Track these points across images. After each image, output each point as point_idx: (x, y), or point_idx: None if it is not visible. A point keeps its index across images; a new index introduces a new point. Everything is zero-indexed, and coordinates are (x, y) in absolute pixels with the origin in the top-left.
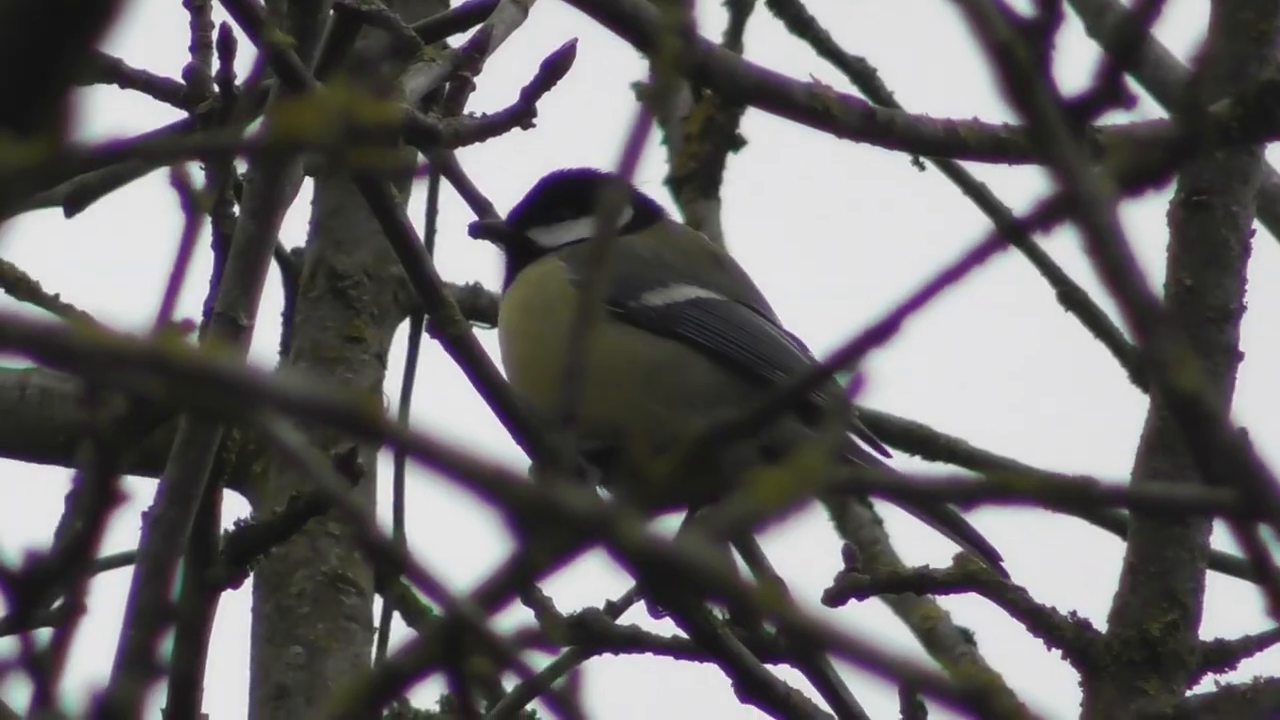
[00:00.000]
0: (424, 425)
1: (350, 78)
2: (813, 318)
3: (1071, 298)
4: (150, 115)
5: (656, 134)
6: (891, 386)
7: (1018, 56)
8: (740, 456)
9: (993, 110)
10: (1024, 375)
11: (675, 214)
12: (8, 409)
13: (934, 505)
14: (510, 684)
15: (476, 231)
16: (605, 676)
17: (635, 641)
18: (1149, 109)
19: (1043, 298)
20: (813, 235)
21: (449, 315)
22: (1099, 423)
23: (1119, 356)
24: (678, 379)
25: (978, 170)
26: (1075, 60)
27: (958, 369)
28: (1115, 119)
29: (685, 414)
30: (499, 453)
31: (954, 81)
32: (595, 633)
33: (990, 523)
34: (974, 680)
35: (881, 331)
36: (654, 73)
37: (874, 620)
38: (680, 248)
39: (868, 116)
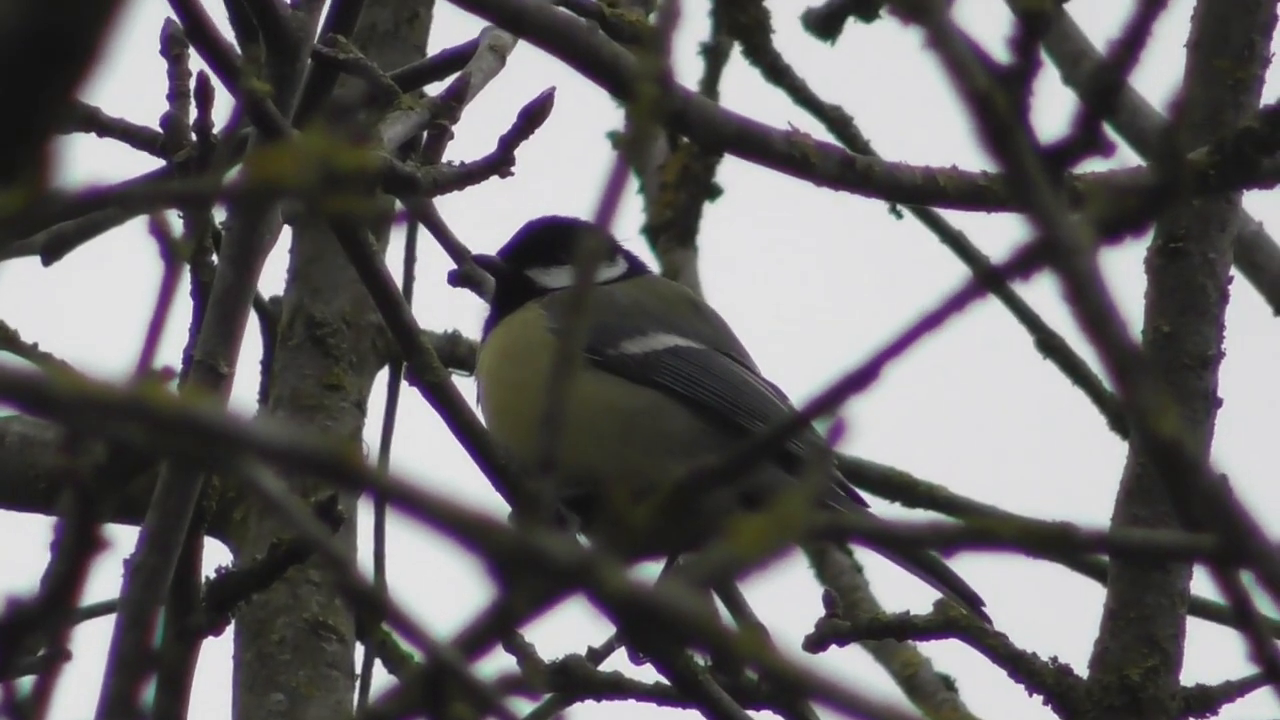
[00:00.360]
0: (404, 472)
1: (328, 125)
2: (790, 365)
3: (1050, 344)
4: (128, 163)
5: (633, 182)
6: (870, 433)
7: (996, 105)
8: (720, 504)
9: (971, 157)
10: (1003, 422)
11: (652, 263)
12: None
13: (914, 551)
14: None
15: (455, 280)
16: None
17: (617, 688)
18: (1126, 157)
19: (1021, 344)
20: (790, 283)
21: (427, 363)
22: (1078, 469)
23: (1098, 403)
24: (656, 427)
25: (956, 218)
26: (1052, 108)
27: (936, 416)
28: (1093, 166)
29: (663, 462)
30: (479, 500)
31: (931, 129)
32: (577, 679)
33: (971, 568)
34: None
35: (860, 378)
36: (631, 121)
37: (855, 667)
38: (660, 296)
39: (846, 164)
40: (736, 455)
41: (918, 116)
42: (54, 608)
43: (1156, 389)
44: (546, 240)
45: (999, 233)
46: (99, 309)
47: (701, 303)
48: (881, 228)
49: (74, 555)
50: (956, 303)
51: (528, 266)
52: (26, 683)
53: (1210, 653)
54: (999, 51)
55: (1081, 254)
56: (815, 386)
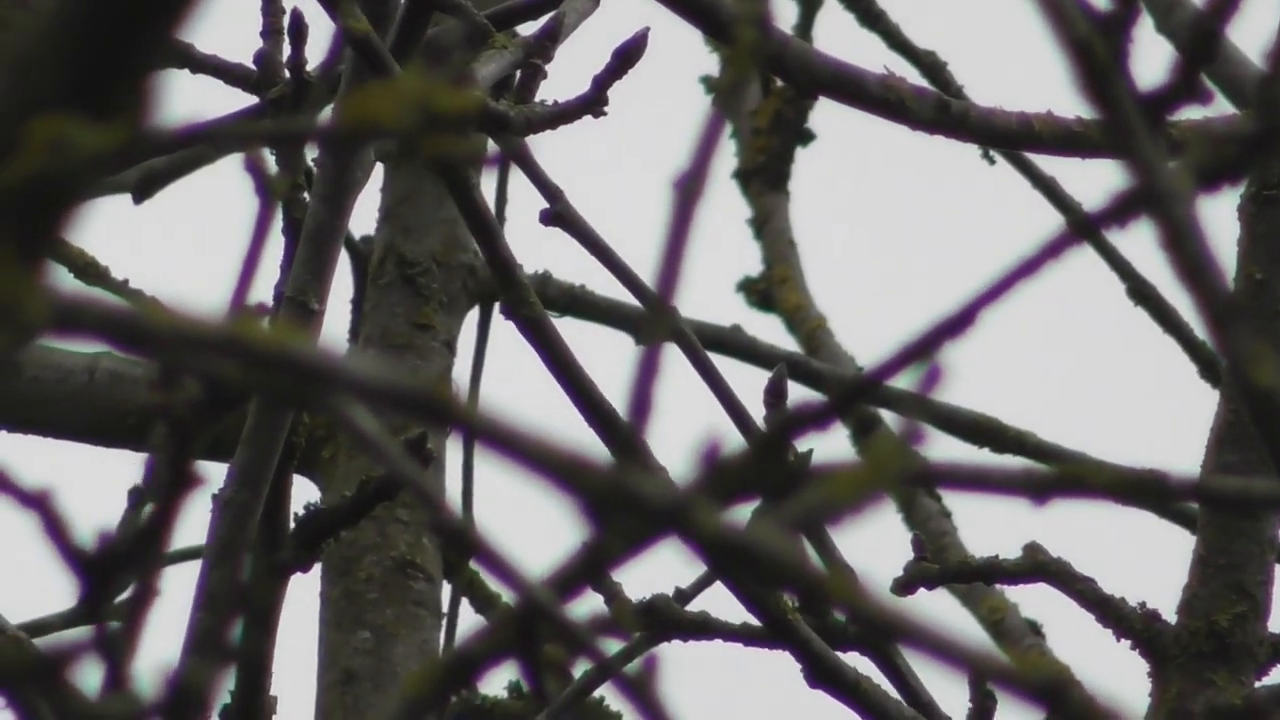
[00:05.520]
0: (498, 410)
1: (425, 65)
2: (881, 311)
3: (1141, 292)
4: (221, 100)
5: (727, 126)
6: (960, 380)
7: (1096, 51)
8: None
9: (1063, 104)
10: (1092, 369)
11: (744, 208)
12: (77, 392)
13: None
14: (580, 670)
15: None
16: (675, 662)
17: (705, 628)
18: (1220, 106)
19: (1112, 292)
20: (881, 228)
21: (523, 297)
22: (1166, 417)
23: (1188, 351)
24: None
25: (1047, 164)
26: (1147, 57)
27: (1025, 363)
28: (1190, 114)
29: None
30: (573, 439)
31: (1020, 77)
32: (665, 619)
33: (1060, 515)
34: (1049, 671)
35: (957, 324)
36: (728, 64)
37: (942, 612)
38: None
39: (941, 108)
40: (830, 401)
41: (1010, 62)
42: (146, 544)
43: (1253, 337)
44: None
45: (1089, 180)
46: (187, 247)
47: None
48: (973, 173)
49: (167, 491)
50: (1054, 249)
51: None
52: (116, 620)
53: None
54: None
55: (1180, 201)
56: (909, 332)
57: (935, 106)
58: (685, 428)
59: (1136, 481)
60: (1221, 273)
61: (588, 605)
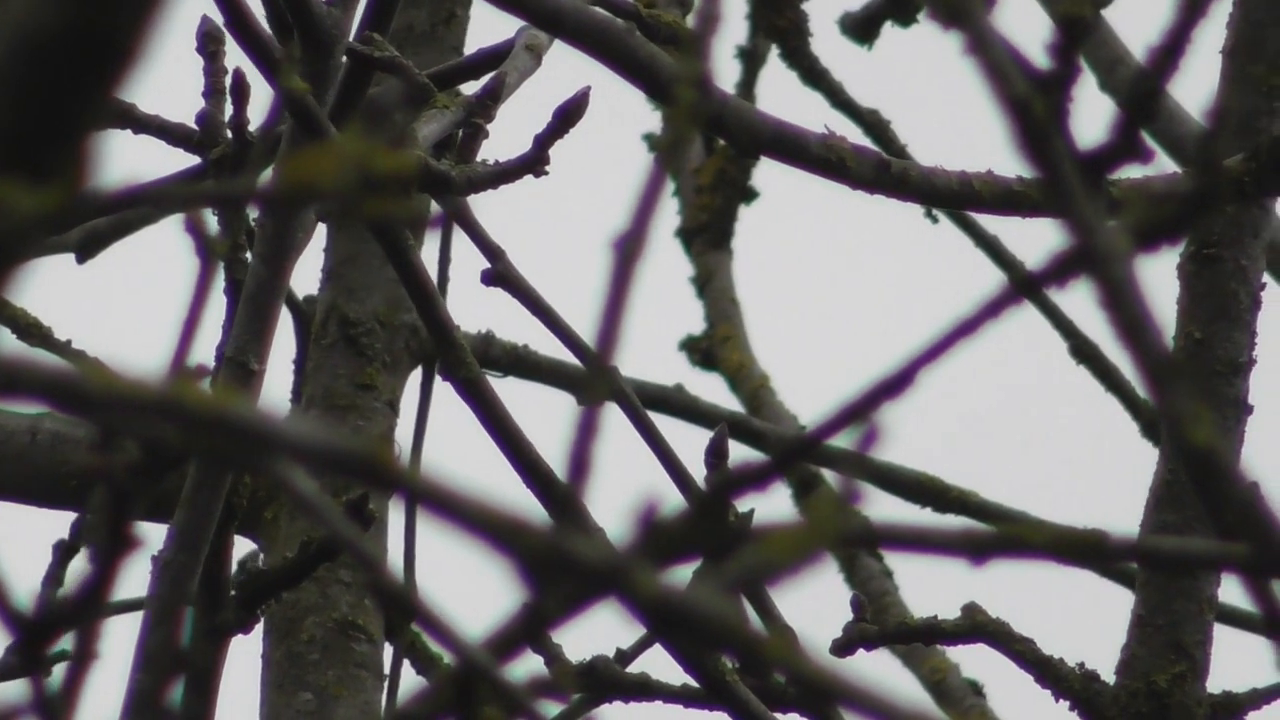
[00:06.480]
0: (437, 473)
1: (365, 125)
2: (824, 369)
3: (1083, 351)
4: (163, 159)
5: (669, 185)
6: (902, 439)
7: (1035, 110)
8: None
9: (1006, 162)
10: (1034, 428)
11: (687, 266)
12: (19, 453)
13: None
14: None
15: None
16: None
17: (645, 689)
18: (1162, 163)
19: (1054, 350)
20: (824, 287)
21: (460, 358)
22: (1108, 476)
23: (1130, 410)
24: None
25: (990, 223)
26: (1089, 114)
27: (968, 421)
28: (1130, 173)
29: None
30: (511, 501)
31: (966, 133)
32: (605, 680)
33: (1000, 574)
34: None
35: (895, 384)
36: (669, 124)
37: (883, 672)
38: None
39: (882, 168)
40: (771, 461)
41: (954, 120)
42: (85, 605)
43: (1191, 396)
44: None
45: (1034, 238)
46: (131, 306)
47: None
48: (916, 232)
49: (106, 553)
50: (993, 309)
51: None
52: (55, 679)
53: (1237, 660)
54: (1038, 57)
55: (1118, 260)
56: (849, 391)
57: (875, 166)
58: (626, 488)
59: (1076, 541)
60: (1160, 332)
61: (527, 666)
